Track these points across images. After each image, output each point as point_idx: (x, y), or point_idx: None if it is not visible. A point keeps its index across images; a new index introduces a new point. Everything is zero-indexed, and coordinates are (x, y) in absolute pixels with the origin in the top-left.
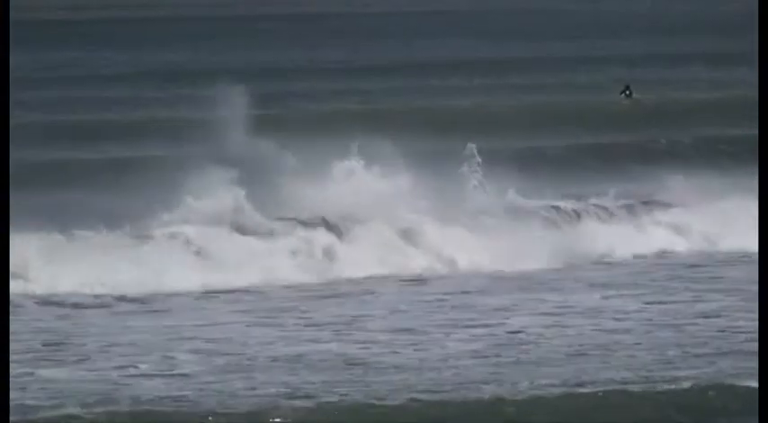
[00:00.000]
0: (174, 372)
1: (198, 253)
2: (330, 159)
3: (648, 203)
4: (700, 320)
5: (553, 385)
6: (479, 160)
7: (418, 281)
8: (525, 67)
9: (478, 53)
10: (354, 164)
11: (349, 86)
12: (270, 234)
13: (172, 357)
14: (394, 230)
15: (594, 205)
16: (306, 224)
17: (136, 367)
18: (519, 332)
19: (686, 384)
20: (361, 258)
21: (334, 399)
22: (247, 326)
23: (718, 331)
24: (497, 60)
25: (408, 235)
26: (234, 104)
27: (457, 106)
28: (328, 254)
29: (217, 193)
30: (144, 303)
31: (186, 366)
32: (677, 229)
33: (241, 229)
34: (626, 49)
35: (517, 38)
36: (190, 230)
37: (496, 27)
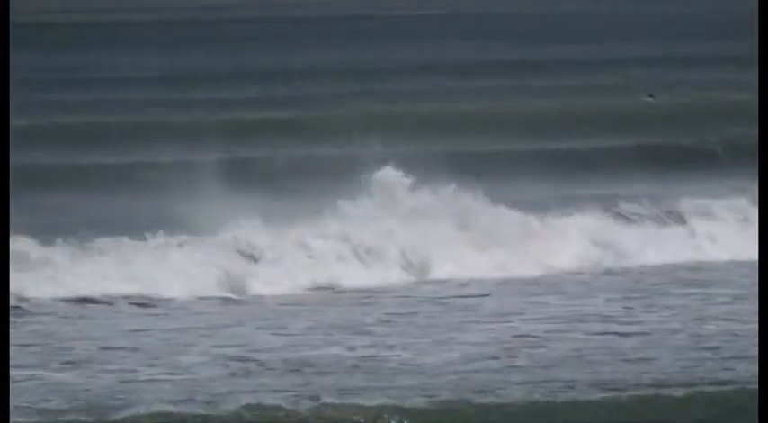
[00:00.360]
0: (184, 376)
1: (254, 256)
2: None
3: (675, 207)
4: (716, 324)
5: (570, 388)
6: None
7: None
8: (540, 69)
9: (486, 56)
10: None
11: (368, 88)
12: (344, 239)
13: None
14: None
15: (623, 209)
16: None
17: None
18: (535, 335)
19: (704, 388)
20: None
21: (351, 401)
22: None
23: (734, 335)
24: (506, 62)
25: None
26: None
27: (469, 109)
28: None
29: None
30: (156, 306)
31: (197, 370)
32: (701, 232)
33: (320, 235)
34: (630, 52)
35: (524, 40)
36: (246, 235)
37: (502, 29)
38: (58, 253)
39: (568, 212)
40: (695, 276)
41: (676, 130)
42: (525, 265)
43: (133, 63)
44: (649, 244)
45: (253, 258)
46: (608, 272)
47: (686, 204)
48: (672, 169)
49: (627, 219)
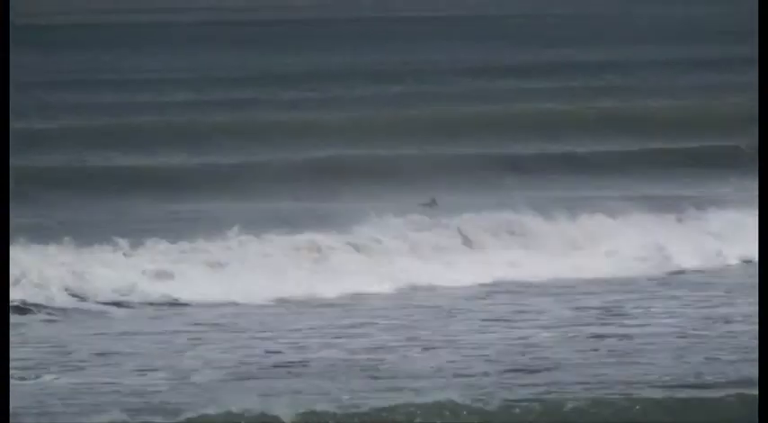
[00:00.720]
0: (188, 380)
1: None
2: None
3: (690, 209)
4: (724, 326)
5: (576, 390)
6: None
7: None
8: (550, 71)
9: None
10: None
11: (380, 91)
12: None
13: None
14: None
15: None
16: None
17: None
18: (537, 337)
19: (713, 391)
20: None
21: (357, 404)
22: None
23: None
24: (513, 64)
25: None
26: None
27: (481, 111)
28: None
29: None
30: (159, 309)
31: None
32: (714, 235)
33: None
34: (641, 54)
35: (534, 43)
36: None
37: (513, 31)
38: (72, 254)
39: (603, 215)
40: (712, 279)
41: (697, 132)
42: (564, 269)
43: (158, 64)
44: (688, 244)
45: (269, 261)
46: (653, 276)
47: (720, 204)
48: (699, 170)
49: (660, 220)
